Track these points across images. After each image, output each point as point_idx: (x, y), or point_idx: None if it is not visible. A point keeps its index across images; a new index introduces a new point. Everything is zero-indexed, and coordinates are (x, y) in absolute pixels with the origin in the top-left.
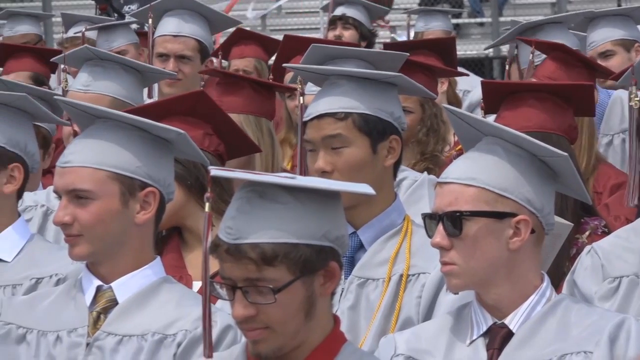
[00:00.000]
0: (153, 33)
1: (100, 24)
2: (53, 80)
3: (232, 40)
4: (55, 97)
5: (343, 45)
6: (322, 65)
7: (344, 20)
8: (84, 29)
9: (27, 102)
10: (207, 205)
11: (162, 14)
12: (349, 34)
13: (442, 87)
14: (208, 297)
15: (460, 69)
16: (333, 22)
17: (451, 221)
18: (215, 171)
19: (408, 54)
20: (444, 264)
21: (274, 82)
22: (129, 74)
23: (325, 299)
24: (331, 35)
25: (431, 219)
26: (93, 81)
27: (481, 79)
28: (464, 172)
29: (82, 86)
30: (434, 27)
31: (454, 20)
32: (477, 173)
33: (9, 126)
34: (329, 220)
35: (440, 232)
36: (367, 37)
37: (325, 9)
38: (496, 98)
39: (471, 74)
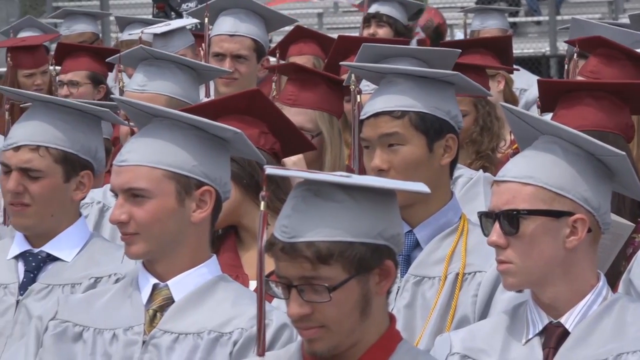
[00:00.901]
0: (209, 32)
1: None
2: (110, 78)
3: (290, 39)
4: (112, 96)
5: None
6: (376, 64)
7: (377, 18)
8: (140, 32)
9: (109, 116)
10: (262, 204)
11: (218, 12)
12: (383, 32)
13: (499, 86)
14: (263, 296)
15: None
16: (367, 20)
17: (508, 220)
18: (270, 170)
19: (460, 50)
20: (500, 262)
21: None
22: (184, 72)
23: (381, 297)
24: (366, 33)
25: (487, 217)
26: (149, 81)
27: (538, 77)
28: (521, 170)
29: (138, 86)
30: (491, 25)
31: (511, 19)
32: (535, 172)
33: (82, 133)
34: (384, 219)
35: (496, 230)
36: (402, 33)
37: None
38: (552, 96)
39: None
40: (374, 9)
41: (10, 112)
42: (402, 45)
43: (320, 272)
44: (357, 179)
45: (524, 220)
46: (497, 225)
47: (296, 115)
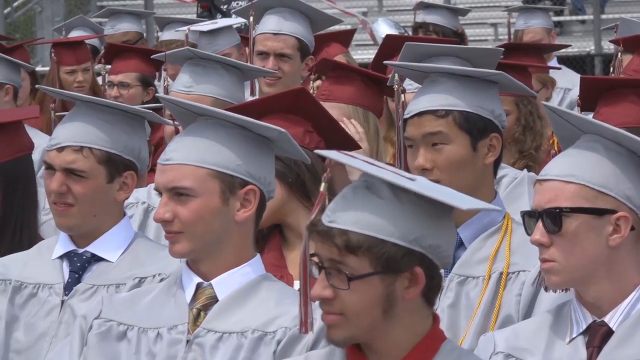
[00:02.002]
0: (254, 31)
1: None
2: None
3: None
4: (157, 95)
5: (437, 42)
6: (420, 63)
7: (424, 27)
8: (187, 30)
9: (153, 116)
10: (323, 185)
11: (263, 11)
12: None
13: (547, 92)
14: (308, 273)
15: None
16: (415, 30)
17: (551, 218)
18: (338, 157)
19: (503, 49)
20: (543, 261)
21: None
22: (229, 73)
23: (410, 302)
24: None
25: (530, 216)
26: (194, 83)
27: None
28: (563, 169)
29: (184, 87)
30: (535, 24)
31: (555, 18)
32: (577, 170)
33: (126, 134)
34: (426, 227)
35: (539, 229)
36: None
37: (419, 6)
38: (594, 94)
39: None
40: (420, 18)
41: (57, 110)
42: (445, 45)
43: (346, 260)
44: (413, 184)
45: (566, 218)
46: (539, 223)
47: (329, 110)
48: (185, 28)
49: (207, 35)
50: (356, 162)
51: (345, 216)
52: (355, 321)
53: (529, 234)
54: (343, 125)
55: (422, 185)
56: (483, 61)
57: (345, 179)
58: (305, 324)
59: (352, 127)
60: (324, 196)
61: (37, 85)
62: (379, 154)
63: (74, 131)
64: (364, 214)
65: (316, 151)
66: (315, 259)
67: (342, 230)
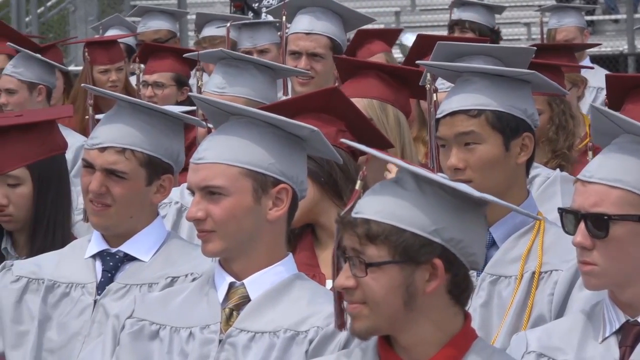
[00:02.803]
0: (286, 30)
1: (245, 21)
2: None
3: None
4: (190, 94)
5: (469, 41)
6: (452, 62)
7: (460, 25)
8: (228, 24)
9: (193, 120)
10: (359, 183)
11: (295, 11)
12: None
13: (579, 92)
14: (336, 265)
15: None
16: (451, 28)
17: (596, 223)
18: (375, 152)
19: (535, 48)
20: (584, 263)
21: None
22: (262, 73)
23: (434, 297)
24: None
25: (570, 215)
26: (227, 83)
27: None
28: (608, 172)
29: (217, 88)
30: (567, 23)
31: (588, 17)
32: (623, 174)
33: (167, 137)
34: (447, 219)
35: (582, 231)
36: (488, 36)
37: (454, 4)
38: (620, 92)
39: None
40: (456, 15)
41: (94, 108)
42: (477, 44)
43: (366, 249)
44: (439, 177)
45: (613, 224)
46: (582, 226)
47: None
48: (227, 23)
49: (248, 30)
50: (384, 155)
51: (370, 206)
52: (375, 310)
53: (566, 231)
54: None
55: (461, 185)
56: (515, 60)
57: (380, 177)
58: (342, 320)
59: None
60: (359, 193)
61: (82, 84)
62: (403, 145)
63: (116, 132)
64: (387, 204)
65: (342, 140)
66: (340, 249)
67: (364, 220)
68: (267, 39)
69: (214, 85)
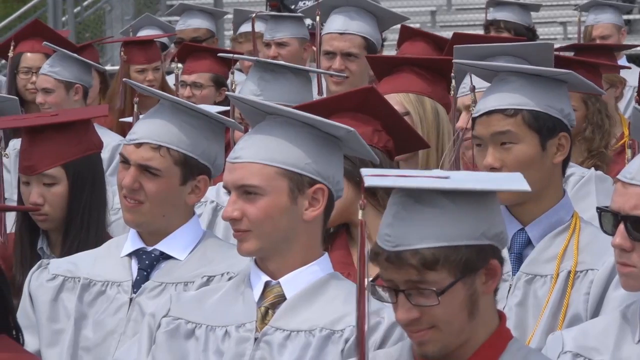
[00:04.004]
0: (320, 30)
1: (271, 13)
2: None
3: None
4: (227, 93)
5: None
6: (489, 62)
7: (495, 25)
8: (254, 15)
9: (233, 124)
10: (360, 212)
11: (330, 11)
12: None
13: (616, 92)
14: (365, 302)
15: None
16: (487, 29)
17: (636, 225)
18: (369, 181)
19: (553, 43)
20: (623, 264)
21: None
22: (298, 77)
23: (488, 296)
24: None
25: (609, 215)
26: (263, 90)
27: None
28: None
29: (252, 95)
30: (604, 20)
31: (625, 16)
32: None
33: (205, 138)
34: (486, 218)
35: (621, 233)
36: (524, 35)
37: (490, 4)
38: None
39: None
40: (491, 15)
41: (131, 107)
42: (495, 44)
43: (427, 277)
44: (454, 183)
45: None
46: (621, 227)
47: None
48: (253, 14)
49: (271, 22)
50: (390, 180)
51: (410, 236)
52: (447, 330)
53: (604, 230)
54: None
55: (459, 180)
56: (537, 57)
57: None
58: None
59: None
60: (364, 223)
61: (124, 79)
62: (442, 137)
63: (154, 129)
64: (427, 228)
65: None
66: (385, 283)
67: (413, 251)
68: (287, 32)
69: (249, 91)
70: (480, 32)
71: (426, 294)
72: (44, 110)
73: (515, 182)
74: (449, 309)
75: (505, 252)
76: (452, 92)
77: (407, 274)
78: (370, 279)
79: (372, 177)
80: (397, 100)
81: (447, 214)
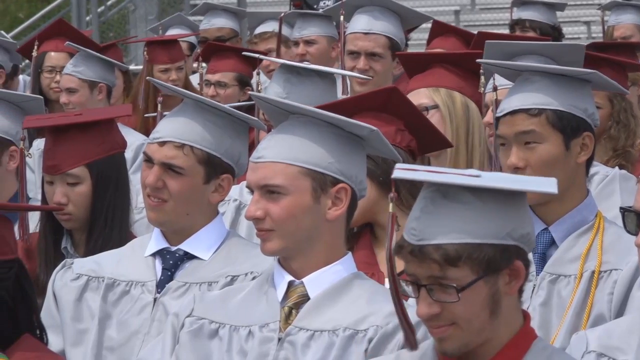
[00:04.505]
0: (344, 30)
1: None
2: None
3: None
4: (250, 92)
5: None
6: (512, 62)
7: (520, 24)
8: (282, 15)
9: (256, 123)
10: (391, 205)
11: (353, 10)
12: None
13: (639, 91)
14: (398, 294)
15: None
16: (512, 28)
17: None
18: (398, 173)
19: (585, 44)
20: None
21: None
22: (323, 79)
23: (511, 297)
24: None
25: (633, 214)
26: (288, 92)
27: None
28: None
29: (278, 97)
30: (625, 20)
31: None
32: None
33: (229, 137)
34: (513, 219)
35: None
36: (550, 35)
37: (515, 3)
38: None
39: None
40: (516, 15)
41: (163, 105)
42: (527, 42)
43: (449, 273)
44: (485, 180)
45: None
46: None
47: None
48: (270, 26)
49: (299, 20)
50: (421, 174)
51: (434, 230)
52: (467, 328)
53: (628, 230)
54: None
55: (491, 179)
56: (567, 58)
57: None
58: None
59: None
60: (395, 217)
61: (147, 78)
62: (470, 133)
63: (177, 128)
64: (452, 224)
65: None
66: (408, 277)
67: (436, 246)
68: (316, 30)
69: (274, 94)
70: (504, 31)
71: (447, 290)
72: (68, 110)
73: (544, 184)
74: (470, 307)
75: None
76: (481, 89)
77: (429, 268)
78: (398, 272)
79: (402, 170)
80: (426, 94)
81: (473, 211)
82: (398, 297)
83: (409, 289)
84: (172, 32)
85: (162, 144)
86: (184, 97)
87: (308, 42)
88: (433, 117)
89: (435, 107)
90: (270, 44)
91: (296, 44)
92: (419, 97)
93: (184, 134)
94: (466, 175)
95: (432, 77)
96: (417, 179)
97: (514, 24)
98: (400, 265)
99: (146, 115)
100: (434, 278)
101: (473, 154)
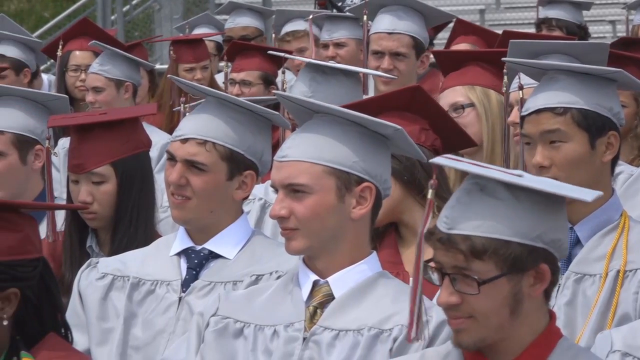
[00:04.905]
0: (368, 30)
1: (326, 14)
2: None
3: (454, 35)
4: (274, 91)
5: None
6: (537, 60)
7: (547, 23)
8: (310, 17)
9: (279, 119)
10: (430, 192)
11: (377, 9)
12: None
13: None
14: (420, 281)
15: None
16: (538, 27)
17: None
18: (439, 160)
19: (609, 43)
20: None
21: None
22: (349, 78)
23: (535, 299)
24: None
25: None
26: (314, 91)
27: None
28: None
29: (304, 96)
30: None
31: None
32: None
33: (251, 134)
34: (546, 222)
35: None
36: (576, 34)
37: (541, 2)
38: None
39: None
40: (542, 14)
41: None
42: (550, 41)
43: (473, 266)
44: (526, 181)
45: None
46: None
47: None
48: (297, 25)
49: (328, 23)
50: (464, 165)
51: (466, 221)
52: (484, 323)
53: None
54: None
55: (532, 180)
56: (591, 57)
57: None
58: (414, 331)
59: None
60: (433, 204)
61: (169, 75)
62: (506, 129)
63: (200, 125)
64: (484, 218)
65: (430, 161)
66: (433, 264)
67: (464, 236)
68: (345, 33)
69: (299, 92)
70: (529, 30)
71: (469, 282)
72: (94, 108)
73: (582, 192)
74: (489, 302)
75: None
76: (504, 88)
77: (454, 258)
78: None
79: (445, 158)
80: (462, 92)
81: (507, 208)
82: (417, 281)
83: (434, 276)
84: (199, 31)
85: (185, 141)
86: (206, 95)
87: (338, 45)
88: (469, 116)
89: (471, 105)
90: (303, 42)
91: (325, 46)
92: (455, 95)
93: (206, 131)
94: (509, 173)
95: (468, 75)
96: (458, 168)
97: (541, 23)
98: (429, 253)
99: (174, 109)
100: (458, 268)
101: (508, 152)
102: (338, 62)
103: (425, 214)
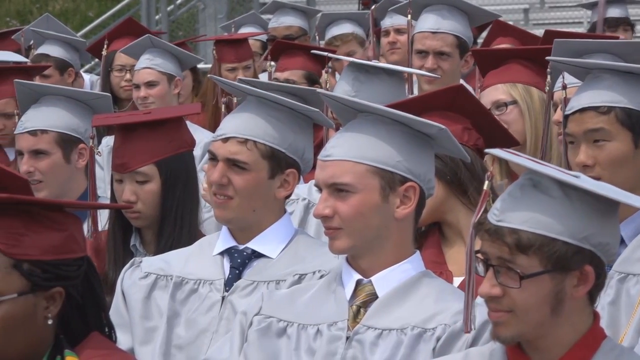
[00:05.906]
0: (412, 29)
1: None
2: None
3: (491, 36)
4: (318, 90)
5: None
6: (582, 59)
7: (607, 23)
8: (372, 7)
9: (320, 117)
10: (486, 183)
11: (421, 9)
12: (626, 37)
13: None
14: (473, 271)
15: None
16: (595, 27)
17: None
18: (496, 152)
19: None
20: None
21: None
22: (391, 77)
23: (578, 300)
24: None
25: None
26: (357, 91)
27: None
28: None
29: (347, 95)
30: None
31: None
32: None
33: (292, 132)
34: (595, 224)
35: None
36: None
37: (587, 6)
38: None
39: None
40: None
41: (227, 106)
42: (595, 40)
43: (517, 259)
44: (582, 182)
45: None
46: None
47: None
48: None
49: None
50: (521, 159)
51: (515, 215)
52: (523, 318)
53: None
54: None
55: (588, 182)
56: (636, 56)
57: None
58: (468, 322)
59: None
60: (488, 194)
61: (209, 75)
62: (546, 128)
63: (240, 123)
64: (533, 213)
65: (486, 150)
66: (480, 255)
67: (512, 229)
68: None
69: (342, 92)
70: (574, 29)
71: (512, 275)
72: (145, 104)
73: (631, 197)
74: (530, 298)
75: None
76: (547, 87)
77: (500, 250)
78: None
79: (504, 151)
80: (504, 90)
81: (558, 206)
82: (470, 272)
83: (479, 267)
84: (244, 30)
85: (226, 140)
86: (246, 94)
87: (399, 31)
88: (511, 113)
89: (514, 102)
90: (351, 46)
91: (386, 33)
92: (497, 93)
93: (247, 129)
94: (566, 173)
95: (508, 72)
96: (516, 162)
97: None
98: (478, 245)
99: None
100: (503, 260)
101: (553, 154)
102: (398, 48)
103: (480, 205)
